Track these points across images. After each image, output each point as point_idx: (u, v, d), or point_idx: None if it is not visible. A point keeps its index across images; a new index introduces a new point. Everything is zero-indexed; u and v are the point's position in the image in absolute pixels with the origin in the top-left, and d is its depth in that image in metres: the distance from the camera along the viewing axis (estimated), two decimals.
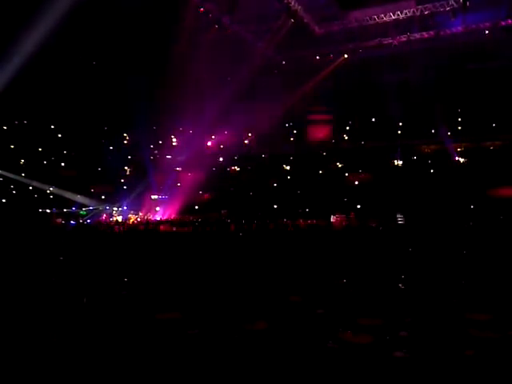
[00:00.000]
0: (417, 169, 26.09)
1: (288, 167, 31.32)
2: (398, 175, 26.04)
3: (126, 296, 6.95)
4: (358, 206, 24.58)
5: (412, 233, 17.30)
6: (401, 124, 27.95)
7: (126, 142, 31.18)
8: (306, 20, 21.62)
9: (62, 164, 29.13)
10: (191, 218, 27.85)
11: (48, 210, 25.55)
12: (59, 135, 28.61)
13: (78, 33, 20.40)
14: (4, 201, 24.59)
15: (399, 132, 28.03)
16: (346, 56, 25.78)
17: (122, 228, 23.04)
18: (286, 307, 6.20)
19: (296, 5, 20.21)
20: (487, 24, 21.65)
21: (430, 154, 27.57)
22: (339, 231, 20.28)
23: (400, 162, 27.58)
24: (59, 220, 24.95)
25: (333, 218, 23.41)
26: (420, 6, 20.52)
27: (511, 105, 23.59)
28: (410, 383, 4.05)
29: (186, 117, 27.36)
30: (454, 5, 19.56)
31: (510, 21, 21.32)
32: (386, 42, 23.82)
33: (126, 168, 31.59)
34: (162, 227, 23.18)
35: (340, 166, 29.54)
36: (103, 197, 28.84)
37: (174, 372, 4.09)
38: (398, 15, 21.34)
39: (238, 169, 32.45)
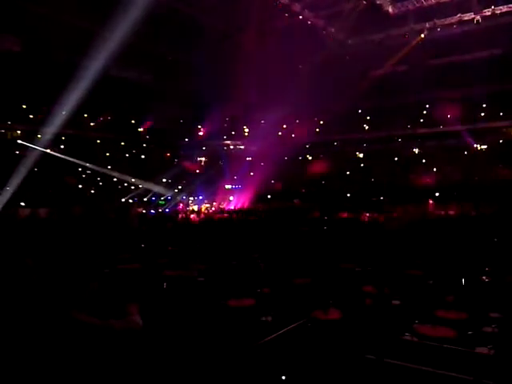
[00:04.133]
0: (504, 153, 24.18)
1: (361, 155, 30.52)
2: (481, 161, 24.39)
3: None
4: (437, 194, 23.40)
5: (497, 222, 16.12)
6: (484, 106, 26.01)
7: (200, 133, 32.19)
8: (378, 1, 20.76)
9: (143, 156, 30.81)
10: (264, 207, 28.16)
11: (130, 200, 27.17)
12: (139, 129, 30.26)
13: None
14: (93, 192, 26.57)
15: (482, 114, 26.14)
16: (422, 36, 24.37)
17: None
18: (360, 297, 6.11)
19: None
20: None
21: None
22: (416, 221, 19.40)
23: (484, 147, 25.79)
24: (140, 209, 26.42)
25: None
26: None
27: None
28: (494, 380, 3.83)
29: (257, 107, 27.58)
30: None
31: None
32: (466, 19, 22.13)
33: (200, 159, 32.65)
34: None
35: (417, 151, 28.26)
36: (180, 187, 30.09)
37: None
38: None
39: (310, 157, 32.18)
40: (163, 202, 29.73)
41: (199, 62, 23.40)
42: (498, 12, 21.23)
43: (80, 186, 26.36)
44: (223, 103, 25.31)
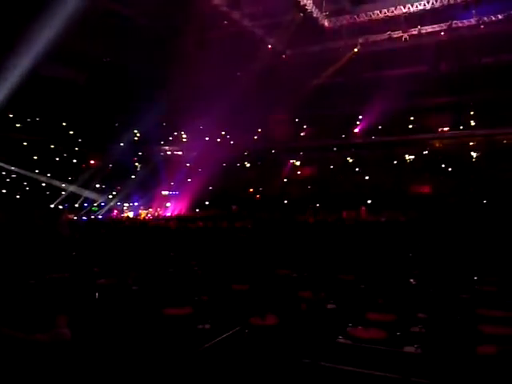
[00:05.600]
0: (428, 163, 26.01)
1: (298, 162, 31.30)
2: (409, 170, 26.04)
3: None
4: (369, 201, 24.56)
5: (424, 227, 17.16)
6: (412, 118, 27.84)
7: (136, 138, 31.33)
8: (315, 14, 21.44)
9: (74, 160, 29.40)
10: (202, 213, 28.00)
11: (60, 206, 25.83)
12: (70, 132, 28.87)
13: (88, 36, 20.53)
14: (18, 197, 24.93)
15: (410, 126, 27.97)
16: (356, 50, 25.54)
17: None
18: (296, 302, 6.21)
19: None
20: (500, 16, 21.29)
21: (442, 149, 27.41)
22: (350, 226, 20.22)
23: (411, 157, 27.53)
24: (71, 216, 25.20)
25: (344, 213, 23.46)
26: None
27: None
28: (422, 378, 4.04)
29: (195, 113, 27.40)
30: None
31: None
32: (396, 36, 23.51)
33: (136, 164, 31.76)
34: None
35: (351, 160, 29.50)
36: (114, 193, 29.08)
37: None
38: (409, 8, 21.09)
39: (249, 165, 32.48)
40: (96, 209, 28.60)
41: (136, 65, 22.89)
42: (424, 31, 22.79)
43: (4, 191, 24.68)
44: (160, 108, 24.84)
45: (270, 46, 24.80)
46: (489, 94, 24.39)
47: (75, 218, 25.35)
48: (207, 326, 5.32)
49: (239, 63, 23.84)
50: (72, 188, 26.61)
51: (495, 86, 23.86)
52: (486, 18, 21.51)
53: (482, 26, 21.84)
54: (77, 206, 27.26)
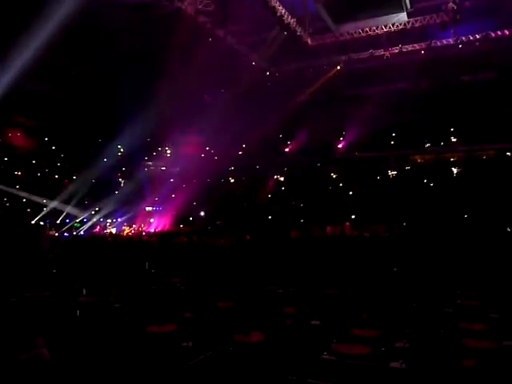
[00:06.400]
0: (410, 179, 26.40)
1: (282, 178, 31.45)
2: (392, 185, 26.36)
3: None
4: (353, 217, 24.72)
5: (407, 243, 17.32)
6: (394, 135, 28.29)
7: (120, 154, 31.11)
8: (298, 33, 21.78)
9: (56, 176, 29.01)
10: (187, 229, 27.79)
11: (41, 223, 25.36)
12: (53, 147, 28.54)
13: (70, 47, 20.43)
14: None
15: (392, 143, 28.41)
16: (338, 68, 26.00)
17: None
18: (281, 319, 6.16)
19: (289, 18, 20.38)
20: (477, 36, 21.97)
21: (423, 165, 27.90)
22: (335, 241, 20.29)
23: (394, 173, 27.90)
24: (52, 232, 24.76)
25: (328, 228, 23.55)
26: (411, 19, 20.77)
27: (503, 114, 23.97)
28: None
29: (180, 129, 27.40)
30: (445, 17, 19.82)
31: (499, 32, 21.63)
32: (378, 54, 24.05)
33: (120, 180, 31.48)
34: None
35: (334, 176, 29.75)
36: (97, 208, 28.70)
37: None
38: (390, 28, 21.61)
39: (233, 180, 32.49)
40: (78, 225, 28.18)
41: (120, 79, 22.85)
42: (405, 50, 23.36)
43: None
44: (145, 123, 24.75)
45: (253, 63, 25.08)
46: (468, 111, 25.04)
47: (57, 234, 24.92)
48: (191, 344, 5.24)
49: (223, 79, 24.03)
50: (54, 204, 26.19)
51: (474, 103, 24.53)
52: (463, 38, 22.16)
53: (460, 46, 22.50)
54: (58, 222, 26.82)
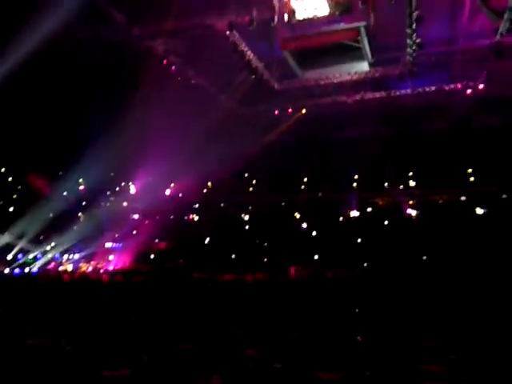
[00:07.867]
0: (371, 221, 27.07)
1: (247, 217, 31.43)
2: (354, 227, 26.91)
3: None
4: (316, 257, 24.88)
5: (368, 284, 17.49)
6: (356, 177, 29.17)
7: (81, 188, 30.32)
8: (265, 77, 22.46)
9: (10, 209, 27.83)
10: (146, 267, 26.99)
11: None
12: (9, 178, 27.54)
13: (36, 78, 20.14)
14: None
15: (354, 185, 29.25)
16: (304, 111, 26.84)
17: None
18: (242, 361, 5.98)
19: (257, 62, 21.06)
20: (432, 88, 23.37)
21: (384, 207, 28.75)
22: (296, 282, 20.22)
23: (356, 214, 28.55)
24: (2, 268, 23.50)
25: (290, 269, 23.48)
26: (372, 69, 21.90)
27: (456, 162, 25.40)
28: None
29: (144, 165, 27.19)
30: (403, 69, 21.04)
31: (452, 85, 23.12)
32: (340, 100, 25.05)
33: (79, 215, 30.48)
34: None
35: (298, 216, 30.04)
36: (53, 244, 27.55)
37: None
38: (353, 77, 22.64)
39: (197, 217, 32.17)
40: (31, 261, 26.87)
41: (83, 113, 22.67)
42: (366, 98, 24.47)
43: None
44: (108, 158, 24.37)
45: (222, 103, 25.53)
46: (425, 157, 26.35)
47: (7, 270, 23.65)
48: None
49: (190, 116, 24.24)
50: (5, 238, 24.98)
51: (431, 150, 25.89)
52: (420, 89, 23.52)
53: (417, 96, 23.86)
54: (10, 257, 25.50)
